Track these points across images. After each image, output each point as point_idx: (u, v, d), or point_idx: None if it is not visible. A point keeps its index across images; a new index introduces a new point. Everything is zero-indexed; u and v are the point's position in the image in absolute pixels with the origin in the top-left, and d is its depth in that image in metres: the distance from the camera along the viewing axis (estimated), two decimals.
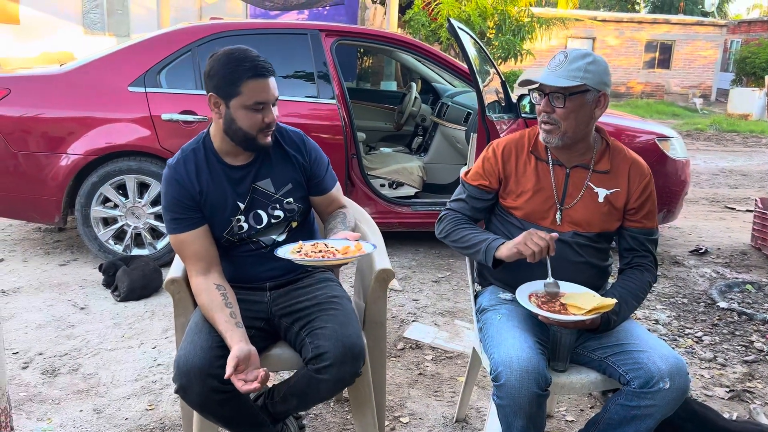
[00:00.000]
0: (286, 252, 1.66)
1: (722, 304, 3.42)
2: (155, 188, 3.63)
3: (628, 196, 1.80)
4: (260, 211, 1.80)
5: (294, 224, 1.86)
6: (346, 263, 1.67)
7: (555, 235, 1.68)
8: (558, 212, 1.80)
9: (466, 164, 4.33)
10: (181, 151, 1.78)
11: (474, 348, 2.09)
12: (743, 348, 2.95)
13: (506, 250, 1.71)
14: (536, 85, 1.74)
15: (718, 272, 4.06)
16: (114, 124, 3.56)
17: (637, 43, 21.02)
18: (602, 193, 1.80)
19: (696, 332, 3.12)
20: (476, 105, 4.17)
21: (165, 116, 3.57)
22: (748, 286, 3.74)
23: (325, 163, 1.90)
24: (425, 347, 2.85)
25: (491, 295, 1.89)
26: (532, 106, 3.83)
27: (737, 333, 3.11)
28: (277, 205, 1.81)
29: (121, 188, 3.65)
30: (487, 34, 11.88)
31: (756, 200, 4.56)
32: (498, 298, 1.86)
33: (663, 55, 21.34)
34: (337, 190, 1.94)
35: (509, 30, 12.04)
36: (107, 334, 2.88)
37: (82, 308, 3.15)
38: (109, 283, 3.37)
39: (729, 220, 5.60)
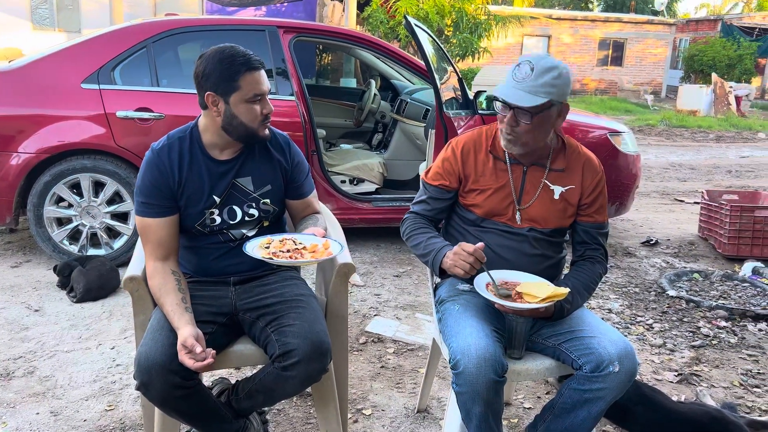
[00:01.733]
0: (254, 247, 1.67)
1: (671, 293, 3.56)
2: (111, 187, 3.57)
3: (581, 193, 1.87)
4: (236, 207, 1.81)
5: (265, 223, 1.87)
6: (314, 264, 1.70)
7: (481, 245, 1.70)
8: (516, 209, 1.86)
9: (425, 160, 4.39)
10: (167, 137, 1.79)
11: (434, 339, 2.14)
12: (691, 334, 3.09)
13: (447, 266, 1.76)
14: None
15: (668, 262, 4.22)
16: (67, 121, 3.49)
17: (591, 41, 21.52)
18: (558, 190, 1.86)
19: (647, 320, 3.24)
20: (434, 102, 4.24)
21: (120, 114, 3.51)
22: (696, 275, 3.90)
23: (306, 169, 1.94)
24: (387, 341, 2.89)
25: (450, 287, 1.93)
26: (489, 102, 3.91)
27: (685, 320, 3.25)
28: (254, 204, 1.82)
29: (76, 187, 3.57)
30: (445, 32, 12.00)
31: (703, 193, 4.75)
32: (456, 289, 1.90)
33: (616, 52, 21.90)
34: (314, 196, 1.98)
35: (466, 28, 12.18)
36: (63, 336, 2.82)
37: (36, 310, 3.08)
38: (65, 284, 3.30)
39: (678, 212, 5.81)
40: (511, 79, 1.72)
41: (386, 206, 4.07)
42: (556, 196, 1.86)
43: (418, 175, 4.73)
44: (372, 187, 4.40)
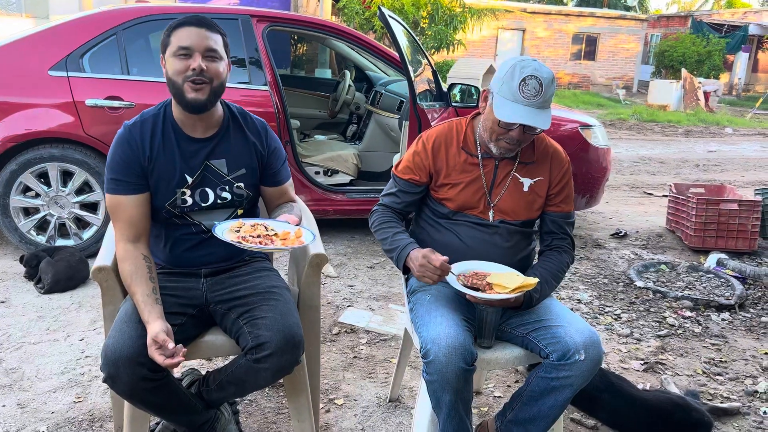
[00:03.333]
0: (224, 229, 1.64)
1: (639, 284, 3.64)
2: (80, 177, 3.51)
3: (549, 183, 1.90)
4: (208, 190, 1.78)
5: (240, 212, 1.85)
6: (284, 251, 1.69)
7: (445, 258, 1.70)
8: (487, 203, 1.88)
9: (399, 152, 4.40)
10: (140, 114, 1.76)
11: (405, 329, 2.16)
12: (657, 323, 3.16)
13: (413, 272, 1.77)
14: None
15: (636, 254, 4.30)
16: (34, 109, 3.41)
17: (565, 35, 21.73)
18: (527, 182, 1.88)
19: (615, 310, 3.31)
20: (408, 94, 4.25)
21: (89, 102, 3.45)
22: (663, 266, 3.99)
23: (282, 157, 1.92)
24: (360, 331, 2.90)
25: None
26: (462, 95, 3.93)
27: (652, 310, 3.33)
28: (227, 187, 1.80)
29: (43, 177, 3.50)
30: (421, 24, 12.01)
31: (671, 186, 4.85)
32: None
33: (589, 47, 22.15)
34: (290, 185, 1.96)
35: (442, 20, 12.21)
36: (30, 328, 2.78)
37: (2, 302, 3.02)
38: (32, 275, 3.24)
39: (647, 205, 5.93)
40: (519, 97, 1.69)
41: (360, 198, 4.07)
42: (526, 189, 1.89)
43: (392, 167, 4.75)
44: (346, 179, 4.39)
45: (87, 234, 3.61)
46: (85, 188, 3.56)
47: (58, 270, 3.14)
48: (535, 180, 1.89)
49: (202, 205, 1.79)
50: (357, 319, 3.01)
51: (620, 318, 3.22)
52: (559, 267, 1.92)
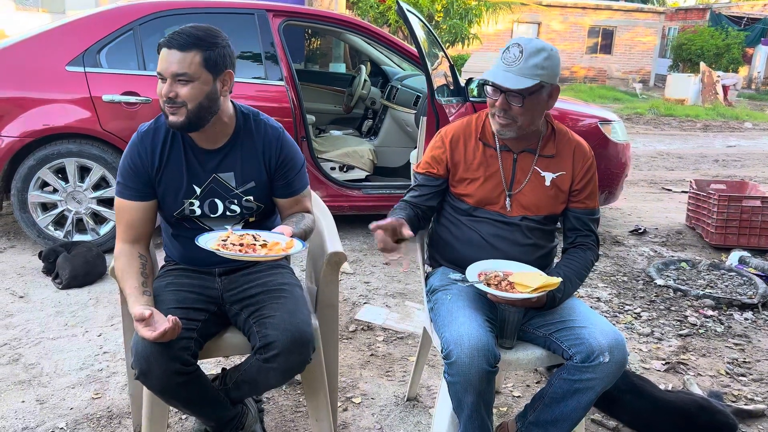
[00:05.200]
0: (208, 240, 1.59)
1: (659, 282, 3.58)
2: (97, 172, 3.52)
3: (572, 179, 1.87)
4: (217, 201, 1.76)
5: (251, 219, 1.83)
6: (266, 261, 1.64)
7: (391, 221, 1.65)
8: (507, 197, 1.85)
9: (415, 147, 4.37)
10: (155, 120, 1.76)
11: (425, 328, 2.13)
12: (678, 323, 3.11)
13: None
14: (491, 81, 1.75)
15: (656, 251, 4.24)
16: (52, 105, 3.42)
17: (581, 28, 21.51)
18: (549, 176, 1.85)
19: (635, 309, 3.26)
20: (425, 88, 4.21)
21: (106, 97, 3.45)
22: (683, 264, 3.93)
23: (298, 166, 1.84)
24: (376, 328, 2.88)
25: (442, 276, 1.92)
26: (480, 90, 3.88)
27: (673, 308, 3.27)
28: (235, 201, 1.77)
29: (61, 172, 3.51)
30: (435, 18, 11.94)
31: (691, 182, 4.78)
32: (448, 278, 1.89)
33: (605, 40, 21.91)
34: (305, 194, 1.89)
35: (457, 13, 12.13)
36: (49, 323, 2.79)
37: (21, 297, 3.04)
38: (50, 270, 3.25)
39: (666, 201, 5.85)
40: (500, 63, 1.71)
41: (376, 194, 4.05)
42: (547, 183, 1.86)
43: (408, 163, 4.72)
44: (362, 175, 4.37)
45: (104, 229, 3.62)
46: (102, 184, 3.57)
47: (75, 265, 3.15)
48: (557, 174, 1.86)
49: (211, 216, 1.78)
50: (374, 317, 2.99)
51: (640, 317, 3.17)
52: (584, 265, 1.88)
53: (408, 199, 1.94)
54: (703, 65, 16.56)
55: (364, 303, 3.15)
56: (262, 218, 1.87)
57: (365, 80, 4.95)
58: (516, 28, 20.77)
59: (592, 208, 1.91)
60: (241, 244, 1.57)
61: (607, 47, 21.90)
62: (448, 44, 11.94)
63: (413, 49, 4.05)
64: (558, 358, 1.79)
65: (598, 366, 1.65)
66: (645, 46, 22.12)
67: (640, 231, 4.64)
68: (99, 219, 3.63)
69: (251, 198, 1.79)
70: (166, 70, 1.59)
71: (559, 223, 1.97)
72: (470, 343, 1.60)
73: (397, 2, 3.45)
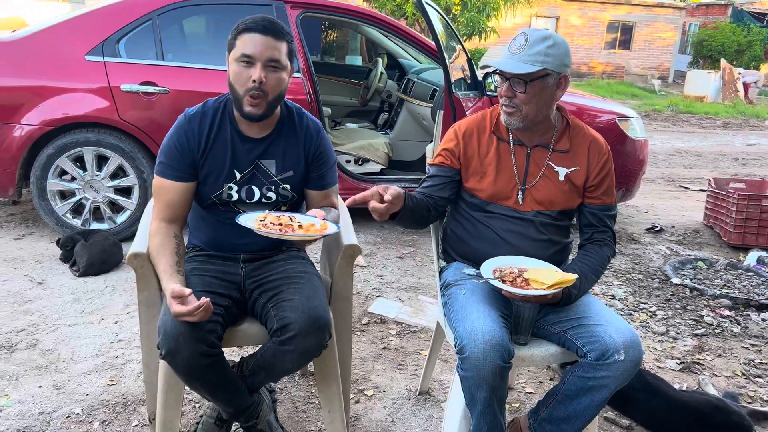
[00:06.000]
0: (249, 219, 1.64)
1: (675, 280, 3.55)
2: (114, 161, 3.54)
3: (587, 174, 1.85)
4: (255, 188, 1.80)
5: (283, 208, 1.86)
6: (306, 241, 1.66)
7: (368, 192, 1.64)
8: (520, 192, 1.84)
9: (431, 141, 4.35)
10: (203, 105, 1.78)
11: (438, 322, 2.13)
12: (694, 322, 3.08)
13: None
14: (496, 69, 1.75)
15: (672, 249, 4.20)
16: (71, 94, 3.45)
17: (600, 23, 21.27)
18: (562, 171, 1.83)
19: (650, 307, 3.23)
20: (442, 82, 4.19)
21: (125, 87, 3.47)
22: (700, 263, 3.89)
23: (331, 161, 1.90)
24: (389, 322, 2.89)
25: (456, 271, 1.91)
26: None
27: (689, 308, 3.24)
28: (273, 188, 1.81)
29: (79, 161, 3.54)
30: (453, 11, 11.87)
31: (709, 180, 4.72)
32: (462, 273, 1.88)
33: (624, 35, 21.66)
34: (334, 191, 1.94)
35: (474, 6, 12.05)
36: (66, 310, 2.82)
37: (39, 283, 3.08)
38: (67, 257, 3.29)
39: (683, 199, 5.78)
40: (506, 51, 1.72)
41: None
42: (561, 178, 1.84)
43: (423, 156, 4.70)
44: (377, 168, 4.36)
45: (121, 218, 3.65)
46: (119, 173, 3.60)
47: (92, 253, 3.18)
48: (571, 169, 1.84)
49: (247, 201, 1.81)
50: (387, 310, 2.99)
51: (655, 315, 3.14)
52: (600, 261, 1.87)
53: (420, 190, 1.94)
54: (723, 62, 16.33)
55: (377, 296, 3.16)
56: (291, 210, 1.90)
57: (382, 73, 4.94)
58: (534, 22, 20.59)
59: (609, 203, 1.90)
60: (280, 224, 1.60)
61: (626, 43, 21.65)
62: (465, 38, 11.86)
63: (430, 42, 4.04)
64: (572, 355, 1.78)
65: (612, 364, 1.64)
66: (665, 41, 21.84)
67: (656, 229, 4.60)
68: (116, 208, 3.66)
69: (288, 187, 1.83)
70: (261, 54, 1.63)
71: (574, 220, 1.96)
72: (484, 338, 1.60)
73: None
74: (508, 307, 1.78)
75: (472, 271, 1.88)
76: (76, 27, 3.55)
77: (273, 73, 1.66)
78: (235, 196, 1.79)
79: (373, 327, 2.83)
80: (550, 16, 20.69)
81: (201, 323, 1.55)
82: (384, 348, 2.65)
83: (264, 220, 1.63)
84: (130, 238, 3.58)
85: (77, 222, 3.60)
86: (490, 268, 1.73)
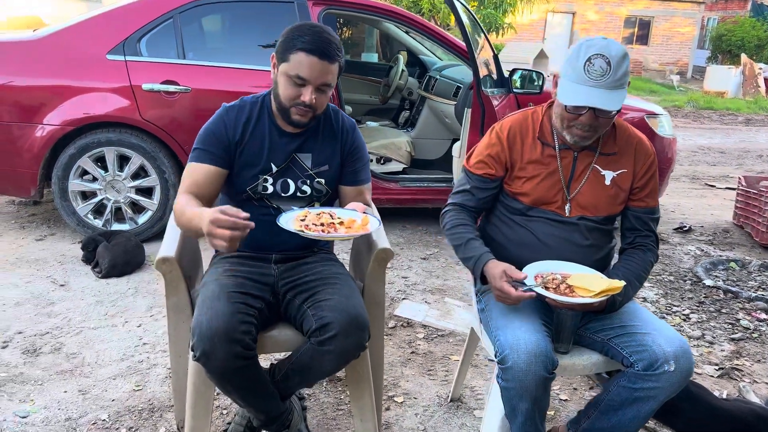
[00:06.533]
0: (289, 219, 1.60)
1: (708, 282, 3.45)
2: (136, 161, 3.51)
3: (633, 177, 1.77)
4: (290, 181, 1.78)
5: (317, 204, 1.83)
6: (348, 239, 1.62)
7: (526, 296, 1.59)
8: (565, 197, 1.76)
9: (456, 139, 4.28)
10: (241, 99, 1.79)
11: (472, 328, 2.06)
12: (730, 326, 2.99)
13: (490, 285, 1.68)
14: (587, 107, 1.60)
15: (702, 250, 4.10)
16: (92, 93, 3.42)
17: (617, 18, 21.04)
18: (609, 175, 1.76)
19: (683, 310, 3.14)
20: (466, 79, 4.11)
21: (146, 86, 3.43)
22: (732, 264, 3.78)
23: (364, 157, 1.91)
24: (416, 325, 2.82)
25: None
26: (523, 81, 3.77)
27: (723, 311, 3.15)
28: (308, 181, 1.80)
29: (101, 161, 3.51)
30: (469, 7, 11.78)
31: (740, 178, 4.60)
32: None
33: (642, 30, 21.41)
34: (368, 188, 1.93)
35: (491, 3, 11.95)
36: (89, 312, 2.79)
37: (61, 285, 3.05)
38: (89, 259, 3.26)
39: (710, 198, 5.66)
40: (585, 78, 1.57)
41: (414, 186, 3.98)
42: (607, 182, 1.77)
43: (445, 155, 4.63)
44: (399, 167, 4.30)
45: (142, 219, 3.61)
46: (140, 173, 3.56)
47: (114, 255, 3.15)
48: (618, 173, 1.77)
49: (282, 195, 1.79)
50: (413, 313, 2.93)
51: (689, 319, 3.05)
52: (643, 267, 1.79)
53: (461, 202, 1.86)
54: (744, 57, 16.08)
55: (403, 298, 3.09)
56: (325, 204, 1.87)
57: (403, 70, 4.86)
58: (550, 18, 20.40)
59: (653, 206, 1.82)
60: (321, 224, 1.57)
61: (643, 38, 21.39)
62: None
63: (454, 38, 3.96)
64: (616, 364, 1.71)
65: (662, 375, 1.57)
66: (683, 36, 21.55)
67: (685, 228, 4.49)
68: (137, 208, 3.63)
69: (323, 181, 1.81)
70: (316, 80, 1.63)
71: (616, 223, 1.89)
72: (527, 349, 1.53)
73: None
74: (549, 315, 1.71)
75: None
76: (97, 26, 3.51)
77: (322, 94, 1.67)
78: (270, 189, 1.77)
79: (400, 330, 2.77)
80: (566, 11, 20.49)
81: (235, 325, 1.52)
82: (412, 352, 2.59)
83: (304, 220, 1.60)
84: (152, 238, 3.59)
85: (98, 223, 3.57)
86: (531, 274, 1.66)
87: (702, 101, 13.56)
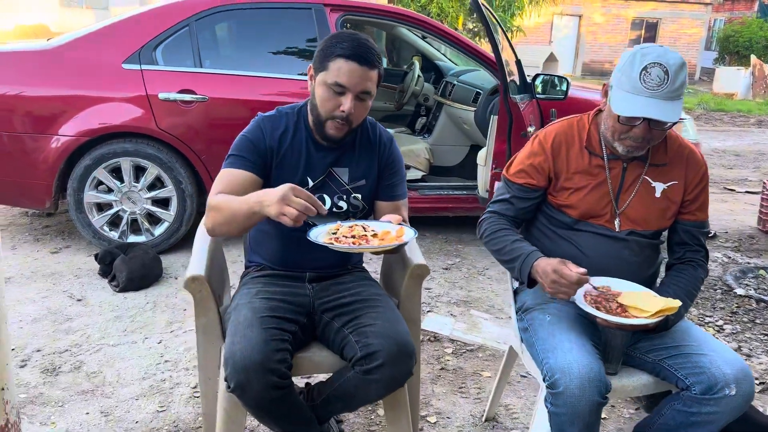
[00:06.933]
0: (319, 233, 1.52)
1: (739, 291, 3.36)
2: (152, 172, 3.44)
3: (685, 188, 1.69)
4: (326, 196, 1.72)
5: (352, 220, 1.75)
6: (382, 252, 1.55)
7: (584, 270, 1.52)
8: (614, 210, 1.68)
9: (475, 145, 4.20)
10: (276, 109, 1.74)
11: (511, 346, 1.98)
12: (766, 337, 2.89)
13: (538, 279, 1.60)
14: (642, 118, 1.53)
15: (729, 257, 4.00)
16: (108, 103, 3.36)
17: (624, 20, 20.95)
18: (659, 187, 1.68)
19: (716, 321, 3.05)
20: (485, 84, 4.04)
21: (162, 95, 3.37)
22: (762, 272, 3.69)
23: (401, 172, 1.84)
24: (444, 339, 2.74)
25: (536, 293, 1.76)
26: (545, 86, 3.69)
27: (758, 321, 3.05)
28: (344, 197, 1.73)
29: (116, 172, 3.45)
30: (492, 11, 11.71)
31: (764, 183, 4.51)
32: (544, 296, 1.73)
33: (649, 32, 21.31)
34: (404, 205, 1.85)
35: (500, 6, 11.89)
36: (108, 328, 2.72)
37: (79, 300, 2.98)
38: (106, 272, 3.20)
39: (731, 203, 5.56)
40: (641, 88, 1.50)
41: (433, 195, 3.90)
42: (658, 194, 1.69)
43: (463, 162, 4.55)
44: (418, 175, 4.22)
45: (159, 230, 3.54)
46: (156, 184, 3.50)
47: (132, 268, 3.08)
48: (668, 184, 1.69)
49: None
50: (439, 327, 2.85)
51: (723, 330, 2.96)
52: (694, 284, 1.71)
53: (500, 210, 1.78)
54: (754, 58, 15.95)
55: (428, 311, 3.01)
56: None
57: (419, 76, 4.79)
58: (557, 21, 20.32)
59: (703, 220, 1.74)
60: (353, 236, 1.49)
61: (650, 40, 21.27)
62: None
63: (473, 43, 3.89)
64: (667, 385, 1.63)
65: (722, 399, 1.49)
66: (690, 38, 21.44)
67: (710, 234, 4.40)
68: (153, 220, 3.56)
69: (359, 196, 1.75)
70: (356, 86, 1.57)
71: (662, 237, 1.81)
72: (580, 373, 1.45)
73: None
74: (598, 334, 1.63)
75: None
76: (113, 34, 3.45)
77: (362, 102, 1.61)
78: None
79: (427, 345, 2.69)
80: (573, 14, 20.42)
81: (270, 354, 1.44)
82: (442, 369, 2.51)
83: (336, 233, 1.52)
84: (169, 250, 3.52)
85: (114, 234, 3.51)
86: (580, 291, 1.58)
87: (712, 103, 13.44)
